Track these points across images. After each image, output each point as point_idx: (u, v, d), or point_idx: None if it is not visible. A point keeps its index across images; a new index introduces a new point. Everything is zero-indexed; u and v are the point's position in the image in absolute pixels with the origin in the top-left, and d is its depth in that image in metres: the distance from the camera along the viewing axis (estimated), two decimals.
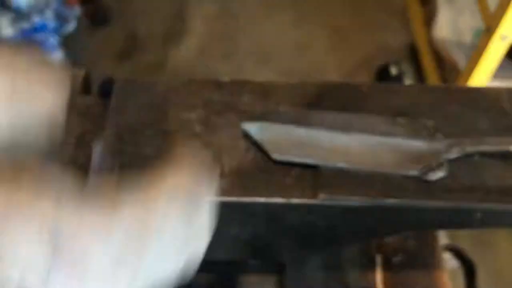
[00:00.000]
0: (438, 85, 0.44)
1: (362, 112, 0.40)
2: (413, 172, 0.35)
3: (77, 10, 1.57)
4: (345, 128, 0.37)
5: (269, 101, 0.42)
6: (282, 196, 0.36)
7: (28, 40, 1.35)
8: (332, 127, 0.37)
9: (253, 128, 0.37)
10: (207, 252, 0.43)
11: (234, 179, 0.37)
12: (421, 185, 0.36)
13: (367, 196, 0.35)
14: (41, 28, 1.38)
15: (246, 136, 0.38)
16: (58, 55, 1.47)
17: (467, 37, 1.27)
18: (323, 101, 0.40)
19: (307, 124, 0.37)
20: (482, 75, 1.09)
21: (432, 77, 1.31)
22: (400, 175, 0.36)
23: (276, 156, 0.37)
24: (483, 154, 0.38)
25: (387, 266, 0.57)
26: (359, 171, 0.37)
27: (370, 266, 0.56)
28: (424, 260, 0.57)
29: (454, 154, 0.35)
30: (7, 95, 0.26)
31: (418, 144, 0.36)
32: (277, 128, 0.37)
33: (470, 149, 0.35)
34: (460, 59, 1.23)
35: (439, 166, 0.35)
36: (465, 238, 1.18)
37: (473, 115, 0.40)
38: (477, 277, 0.57)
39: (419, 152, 0.36)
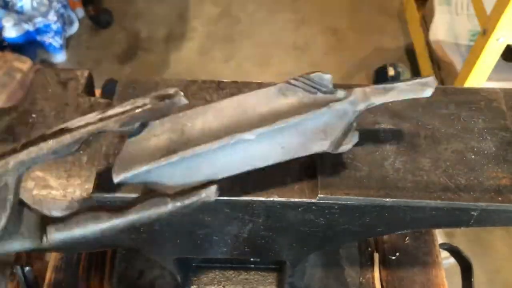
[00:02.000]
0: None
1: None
2: (325, 149, 0.31)
3: (80, 12, 1.58)
4: (232, 131, 0.31)
5: None
6: (282, 196, 0.37)
7: (31, 41, 1.36)
8: (216, 134, 0.31)
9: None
10: (208, 250, 0.43)
11: (234, 179, 0.37)
12: (419, 184, 0.37)
13: (365, 195, 0.36)
14: (45, 29, 1.39)
15: None
16: (61, 57, 1.47)
17: (464, 39, 1.28)
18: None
19: (185, 145, 0.31)
20: (478, 76, 1.10)
21: None
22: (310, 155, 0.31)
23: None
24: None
25: (385, 264, 0.57)
26: (357, 170, 0.37)
27: (368, 264, 0.57)
28: (421, 258, 0.58)
29: (361, 106, 0.30)
30: None
31: (320, 115, 0.30)
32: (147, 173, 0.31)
33: (378, 100, 0.30)
34: (456, 61, 1.24)
35: (348, 130, 0.30)
36: (461, 237, 1.19)
37: (469, 115, 0.41)
38: (473, 275, 0.57)
39: (324, 124, 0.30)
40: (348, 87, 0.43)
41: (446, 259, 0.71)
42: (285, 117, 0.31)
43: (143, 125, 0.32)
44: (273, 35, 1.62)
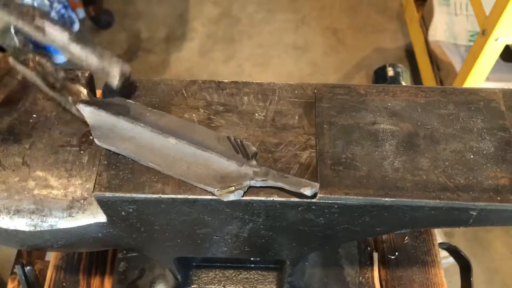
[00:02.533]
0: (433, 86, 0.44)
1: (361, 111, 0.41)
2: (211, 189, 0.36)
3: (80, 12, 1.58)
4: (168, 132, 0.38)
5: (268, 101, 0.43)
6: (282, 195, 0.37)
7: (32, 42, 1.36)
8: (158, 128, 0.38)
9: (86, 110, 0.39)
10: (208, 249, 0.44)
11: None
12: (418, 184, 0.37)
13: (364, 195, 0.36)
14: None
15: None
16: (62, 57, 1.47)
17: (463, 39, 1.28)
18: (321, 101, 0.41)
19: (136, 119, 0.38)
20: (477, 77, 1.10)
21: (428, 79, 1.33)
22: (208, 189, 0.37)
23: (98, 142, 0.39)
24: None
25: (384, 264, 0.58)
26: (357, 170, 0.37)
27: (367, 263, 0.57)
28: (420, 257, 0.58)
29: (258, 183, 0.36)
30: None
31: (229, 165, 0.37)
32: (106, 116, 0.38)
33: (271, 183, 0.36)
34: (455, 61, 1.24)
35: (237, 189, 0.36)
36: (460, 236, 1.19)
37: (468, 115, 0.41)
38: (472, 274, 0.58)
39: (226, 172, 0.36)
40: (347, 88, 0.43)
41: (445, 259, 0.72)
42: (205, 147, 0.37)
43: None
44: (273, 35, 1.62)
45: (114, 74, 0.36)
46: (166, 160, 0.38)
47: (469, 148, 0.39)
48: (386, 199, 0.36)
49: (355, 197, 0.36)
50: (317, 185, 0.36)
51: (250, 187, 0.37)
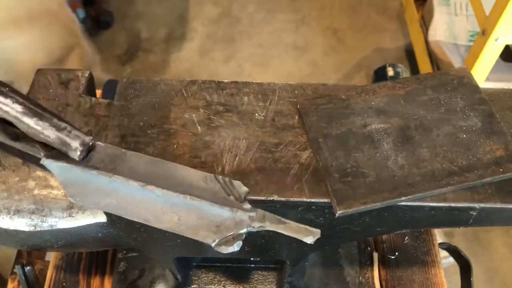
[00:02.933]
0: (407, 76, 0.45)
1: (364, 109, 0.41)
2: (208, 241, 0.34)
3: (80, 13, 1.58)
4: (150, 181, 0.34)
5: (268, 102, 0.43)
6: (282, 196, 0.37)
7: None
8: (137, 177, 0.34)
9: (54, 166, 0.35)
10: (208, 249, 0.44)
11: (234, 179, 0.38)
12: (426, 175, 0.37)
13: (381, 200, 0.36)
14: None
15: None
16: None
17: (463, 39, 1.28)
18: (308, 116, 0.41)
19: (112, 170, 0.34)
20: (477, 76, 1.10)
21: None
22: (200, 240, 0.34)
23: (74, 201, 0.35)
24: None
25: (384, 264, 0.58)
26: (365, 176, 0.37)
27: (367, 263, 0.57)
28: (420, 257, 0.58)
29: (255, 228, 0.34)
30: None
31: (222, 212, 0.34)
32: (78, 171, 0.34)
33: (270, 228, 0.34)
34: (455, 61, 1.24)
35: (235, 240, 0.33)
36: (460, 236, 1.19)
37: (448, 96, 0.42)
38: (472, 274, 0.58)
39: (220, 221, 0.34)
40: (328, 97, 0.43)
41: (445, 259, 0.72)
42: (195, 196, 0.34)
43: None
44: (273, 35, 1.62)
45: (75, 147, 0.33)
46: (154, 213, 0.34)
47: (459, 128, 0.41)
48: (403, 198, 0.36)
49: (373, 204, 0.36)
50: (318, 231, 0.34)
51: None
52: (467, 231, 1.19)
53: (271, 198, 0.37)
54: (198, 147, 0.40)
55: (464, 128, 0.40)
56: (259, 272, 0.54)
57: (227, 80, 0.45)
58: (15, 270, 0.61)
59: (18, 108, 0.33)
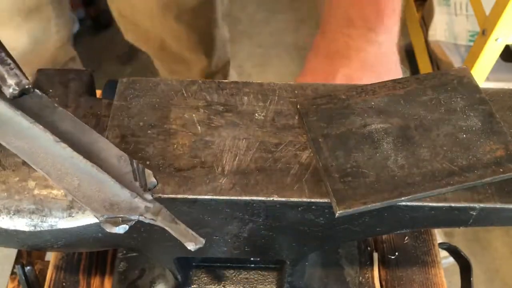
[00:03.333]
0: (407, 76, 0.46)
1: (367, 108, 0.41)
2: (96, 215, 0.34)
3: (81, 12, 1.58)
4: (67, 140, 0.35)
5: (268, 102, 0.43)
6: (282, 196, 0.37)
7: None
8: (57, 133, 0.35)
9: None
10: (208, 249, 0.44)
11: (234, 179, 0.38)
12: (426, 175, 0.37)
13: (381, 200, 0.36)
14: None
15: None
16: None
17: (463, 39, 1.28)
18: (308, 116, 0.41)
19: (36, 118, 0.35)
20: (477, 76, 1.10)
21: None
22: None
23: None
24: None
25: (384, 264, 0.58)
26: (365, 176, 0.37)
27: (367, 263, 0.57)
28: (420, 257, 0.58)
29: (146, 219, 0.34)
30: None
31: (121, 193, 0.34)
32: (4, 107, 0.35)
33: (160, 224, 0.34)
34: (455, 61, 1.25)
35: (123, 223, 0.34)
36: (460, 236, 1.19)
37: (448, 96, 0.42)
38: (472, 275, 0.58)
39: (116, 200, 0.34)
40: (328, 97, 0.43)
41: (445, 259, 0.72)
42: (102, 167, 0.35)
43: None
44: (273, 35, 1.62)
45: (10, 84, 0.34)
46: (58, 170, 0.35)
47: (459, 128, 0.40)
48: (403, 198, 0.36)
49: (373, 204, 0.36)
50: (202, 241, 0.34)
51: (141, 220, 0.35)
52: (467, 231, 1.19)
53: (271, 198, 0.37)
54: (198, 147, 0.40)
55: (464, 128, 0.40)
56: (259, 272, 0.54)
57: (227, 80, 0.45)
58: (15, 270, 0.61)
59: None
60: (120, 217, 0.34)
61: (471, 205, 0.37)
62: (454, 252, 0.60)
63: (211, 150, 0.40)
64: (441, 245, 0.60)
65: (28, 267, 0.56)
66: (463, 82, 0.43)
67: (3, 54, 0.35)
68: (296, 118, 0.42)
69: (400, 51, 1.56)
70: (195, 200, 0.37)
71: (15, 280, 0.60)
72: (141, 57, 1.54)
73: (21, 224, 0.38)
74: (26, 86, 0.35)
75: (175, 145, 0.40)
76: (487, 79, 1.13)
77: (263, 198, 0.37)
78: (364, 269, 0.57)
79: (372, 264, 0.57)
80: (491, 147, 0.39)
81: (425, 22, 1.40)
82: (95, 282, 0.57)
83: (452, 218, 0.39)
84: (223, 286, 0.54)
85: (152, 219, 0.35)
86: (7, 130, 0.36)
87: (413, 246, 0.59)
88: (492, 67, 1.07)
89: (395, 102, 0.42)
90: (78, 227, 0.39)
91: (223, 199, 0.37)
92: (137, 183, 0.35)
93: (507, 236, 1.20)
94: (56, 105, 0.37)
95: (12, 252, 0.63)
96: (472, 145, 0.39)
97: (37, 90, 0.36)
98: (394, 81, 0.44)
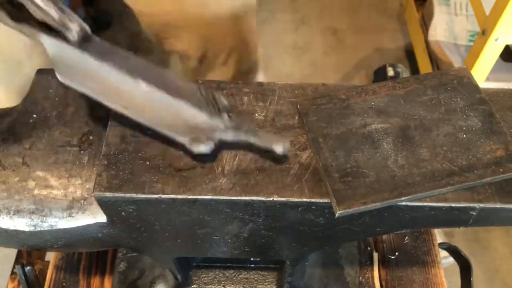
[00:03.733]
0: (407, 76, 0.46)
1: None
2: (182, 138, 0.35)
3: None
4: (137, 74, 0.35)
5: (268, 102, 0.43)
6: (282, 196, 0.37)
7: None
8: (127, 68, 0.35)
9: (47, 41, 0.36)
10: (208, 249, 0.44)
11: (234, 179, 0.38)
12: (426, 175, 0.37)
13: (381, 200, 0.36)
14: None
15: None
16: None
17: (463, 39, 1.28)
18: (308, 116, 0.41)
19: (103, 57, 0.36)
20: (477, 76, 1.10)
21: None
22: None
23: (60, 78, 0.37)
24: None
25: (384, 264, 0.58)
26: (365, 176, 0.37)
27: (367, 263, 0.57)
28: (420, 257, 0.58)
29: (229, 136, 0.35)
30: None
31: (200, 115, 0.35)
32: (70, 50, 0.35)
33: (243, 137, 0.35)
34: (455, 61, 1.25)
35: (208, 140, 0.35)
36: (460, 236, 1.19)
37: (448, 96, 0.42)
38: (472, 274, 0.58)
39: (196, 122, 0.35)
40: (328, 97, 0.43)
41: (445, 259, 0.72)
42: (176, 95, 0.35)
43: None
44: (273, 35, 1.62)
45: (73, 28, 0.35)
46: (134, 105, 0.36)
47: (459, 128, 0.40)
48: (403, 198, 0.36)
49: (373, 204, 0.36)
50: (288, 141, 0.35)
51: (223, 143, 0.35)
52: (467, 231, 1.19)
53: (271, 198, 0.37)
54: None
55: (464, 128, 0.40)
56: (259, 272, 0.54)
57: (227, 80, 0.45)
58: (15, 270, 0.61)
59: None
60: (204, 136, 0.35)
61: (471, 205, 0.37)
62: (454, 252, 0.60)
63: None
64: (441, 245, 0.60)
65: (28, 267, 0.56)
66: (463, 82, 0.43)
67: (61, 4, 0.35)
68: (296, 118, 0.42)
69: (400, 51, 1.55)
70: (195, 200, 0.37)
71: (15, 280, 0.60)
72: (141, 57, 1.54)
73: (21, 224, 0.38)
74: (88, 32, 0.36)
75: (175, 145, 0.40)
76: (487, 79, 1.12)
77: (263, 198, 0.37)
78: (364, 269, 0.57)
79: (372, 264, 0.57)
80: (491, 147, 0.39)
81: (425, 22, 1.40)
82: (95, 282, 0.57)
83: (452, 218, 0.39)
84: (223, 286, 0.54)
85: (235, 133, 0.35)
86: (76, 72, 0.36)
87: (413, 246, 0.59)
88: (492, 67, 1.06)
89: (395, 102, 0.42)
90: (78, 227, 0.39)
91: (223, 199, 0.37)
92: (211, 107, 0.36)
93: (507, 236, 1.20)
94: (120, 48, 0.38)
95: (12, 252, 0.63)
96: (472, 145, 0.39)
97: (97, 37, 0.37)
98: (394, 81, 0.44)
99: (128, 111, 0.36)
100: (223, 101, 0.36)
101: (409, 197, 0.36)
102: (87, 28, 0.36)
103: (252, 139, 0.35)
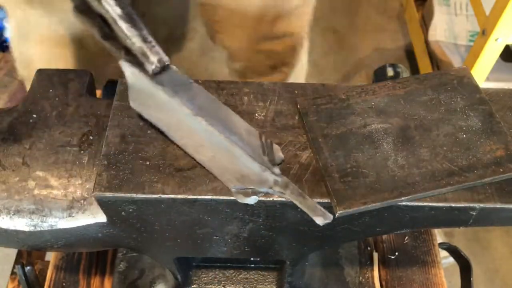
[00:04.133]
0: (407, 76, 0.46)
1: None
2: (230, 185, 0.36)
3: None
4: (202, 114, 0.37)
5: (268, 101, 0.43)
6: (281, 196, 0.37)
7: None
8: (193, 107, 0.37)
9: (128, 70, 0.38)
10: (208, 249, 0.44)
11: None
12: (426, 175, 0.37)
13: (381, 200, 0.36)
14: None
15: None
16: None
17: (463, 39, 1.28)
18: (308, 116, 0.41)
19: (174, 93, 0.37)
20: (477, 76, 1.10)
21: None
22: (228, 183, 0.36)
23: (133, 105, 0.39)
24: None
25: (384, 264, 0.58)
26: (365, 176, 0.37)
27: (367, 263, 0.57)
28: (420, 257, 0.58)
29: (275, 192, 0.36)
30: None
31: (253, 167, 0.36)
32: (146, 82, 0.37)
33: (288, 197, 0.35)
34: (455, 61, 1.25)
35: (253, 193, 0.35)
36: (460, 236, 1.19)
37: (448, 96, 0.42)
38: (472, 274, 0.58)
39: (247, 173, 0.36)
40: (329, 97, 0.43)
41: (445, 259, 0.72)
42: (235, 141, 0.36)
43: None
44: None
45: (152, 61, 0.36)
46: (194, 142, 0.37)
47: (459, 128, 0.40)
48: (402, 198, 0.36)
49: (373, 204, 0.36)
50: (331, 216, 0.35)
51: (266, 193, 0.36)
52: (467, 231, 1.19)
53: (271, 199, 0.37)
54: None
55: (464, 128, 0.40)
56: (259, 272, 0.54)
57: (227, 80, 0.45)
58: (15, 270, 0.61)
59: (118, 11, 0.36)
60: (250, 188, 0.35)
61: (471, 205, 0.37)
62: (454, 252, 0.60)
63: None
64: (441, 245, 0.60)
65: (28, 267, 0.56)
66: (463, 82, 0.43)
67: (145, 32, 0.37)
68: (296, 118, 0.42)
69: (400, 51, 1.55)
70: (195, 200, 0.37)
71: (15, 280, 0.60)
72: None
73: (21, 224, 0.38)
74: (166, 63, 0.37)
75: (175, 145, 0.40)
76: (487, 79, 1.12)
77: (263, 198, 0.37)
78: (364, 269, 0.57)
79: (372, 264, 0.57)
80: (491, 147, 0.39)
81: (425, 22, 1.40)
82: (95, 282, 0.57)
83: (452, 218, 0.39)
84: (223, 286, 0.54)
85: (281, 192, 0.36)
86: (150, 103, 0.38)
87: (413, 246, 0.59)
88: (492, 67, 1.06)
89: (395, 102, 0.42)
90: (78, 227, 0.39)
91: (223, 199, 0.37)
92: (266, 157, 0.36)
93: (507, 236, 1.20)
94: (191, 81, 0.39)
95: (12, 252, 0.63)
96: (472, 145, 0.39)
97: (174, 67, 0.38)
98: (394, 81, 0.44)
99: (187, 148, 0.37)
100: (280, 154, 0.37)
101: (409, 197, 0.36)
102: (166, 58, 0.37)
103: (296, 201, 0.35)
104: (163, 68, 0.37)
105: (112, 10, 0.36)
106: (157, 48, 0.37)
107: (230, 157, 0.36)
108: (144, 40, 0.37)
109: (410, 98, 0.42)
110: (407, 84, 0.43)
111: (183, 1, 1.09)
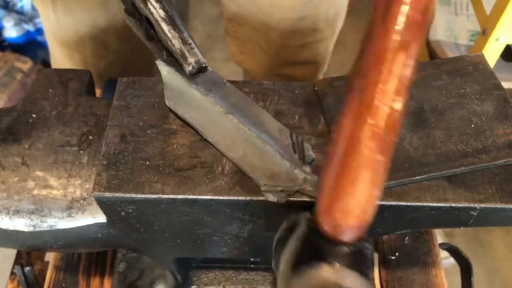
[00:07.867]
0: (423, 61, 0.47)
1: None
2: (260, 183, 0.36)
3: None
4: (235, 112, 0.37)
5: (268, 101, 0.43)
6: None
7: (32, 42, 1.36)
8: (226, 105, 0.37)
9: (164, 69, 0.39)
10: (208, 250, 0.44)
11: (234, 179, 0.37)
12: (440, 156, 0.38)
13: (396, 178, 0.36)
14: None
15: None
16: None
17: (463, 39, 1.28)
18: (325, 97, 0.41)
19: (208, 92, 0.38)
20: None
21: None
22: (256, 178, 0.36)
23: (168, 103, 0.40)
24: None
25: (385, 264, 0.58)
26: None
27: None
28: (420, 258, 0.58)
29: (305, 190, 0.35)
30: None
31: (283, 165, 0.35)
32: (181, 81, 0.38)
33: (311, 193, 0.35)
34: None
35: (285, 192, 0.35)
36: (461, 237, 1.19)
37: (463, 81, 0.43)
38: (473, 275, 0.57)
39: (277, 171, 0.36)
40: (346, 78, 0.43)
41: (446, 259, 0.72)
42: (266, 139, 0.36)
43: None
44: None
45: (189, 62, 0.38)
46: (225, 140, 0.38)
47: (473, 112, 0.41)
48: (417, 177, 0.37)
49: (388, 182, 0.36)
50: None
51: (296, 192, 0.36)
52: (467, 231, 1.19)
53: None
54: (198, 146, 0.40)
55: (478, 112, 0.41)
56: (259, 272, 0.54)
57: (226, 79, 0.44)
58: (14, 271, 0.61)
59: (162, 13, 0.38)
60: (280, 186, 0.35)
61: (472, 205, 0.37)
62: (454, 252, 0.59)
63: (211, 150, 0.39)
64: (442, 245, 0.60)
65: (28, 268, 0.56)
66: (478, 68, 0.44)
67: (185, 35, 0.38)
68: (297, 118, 0.42)
69: None
70: (195, 200, 0.37)
71: (15, 280, 0.60)
72: None
73: (21, 224, 0.38)
74: (203, 65, 0.39)
75: (174, 145, 0.40)
76: None
77: (263, 198, 0.37)
78: None
79: (372, 265, 0.57)
80: (505, 131, 0.40)
81: None
82: (95, 282, 0.57)
83: (452, 219, 0.39)
84: (223, 286, 0.54)
85: (311, 191, 0.36)
86: (184, 102, 0.39)
87: (413, 247, 0.59)
88: (492, 66, 1.06)
89: (411, 86, 0.42)
90: (77, 227, 0.39)
91: (223, 199, 0.37)
92: (296, 156, 0.36)
93: (507, 236, 1.20)
94: (225, 81, 0.40)
95: (12, 253, 0.63)
96: (486, 129, 0.40)
97: (210, 68, 0.40)
98: None
99: (219, 146, 0.38)
100: (311, 153, 0.37)
101: (423, 176, 0.37)
102: (203, 60, 0.39)
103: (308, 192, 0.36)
104: (200, 70, 0.39)
105: (156, 12, 0.38)
106: (196, 50, 0.38)
107: (261, 155, 0.36)
108: (184, 42, 0.38)
109: (426, 82, 0.43)
110: (423, 69, 0.44)
111: (183, 0, 1.08)
